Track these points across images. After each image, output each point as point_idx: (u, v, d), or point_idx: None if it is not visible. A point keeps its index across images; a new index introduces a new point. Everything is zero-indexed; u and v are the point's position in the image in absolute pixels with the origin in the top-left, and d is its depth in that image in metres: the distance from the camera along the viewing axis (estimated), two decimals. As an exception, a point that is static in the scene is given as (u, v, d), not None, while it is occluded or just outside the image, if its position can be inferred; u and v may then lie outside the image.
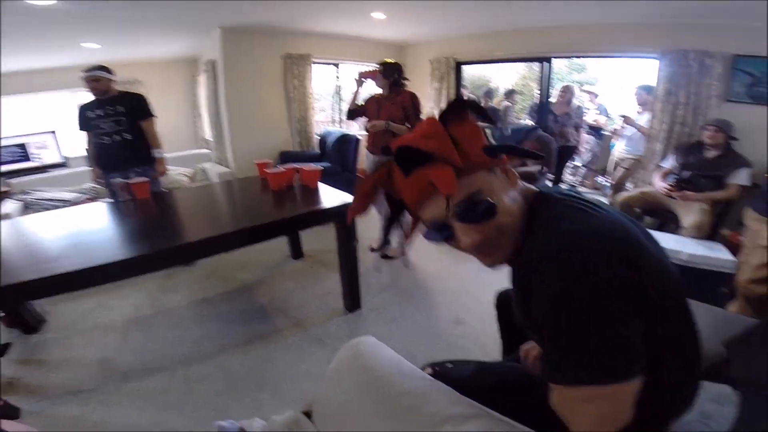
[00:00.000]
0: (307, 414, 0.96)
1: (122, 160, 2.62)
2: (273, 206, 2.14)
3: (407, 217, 0.76)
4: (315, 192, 2.25)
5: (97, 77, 2.48)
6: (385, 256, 2.97)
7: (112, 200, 2.47)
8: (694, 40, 2.98)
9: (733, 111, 2.90)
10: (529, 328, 0.70)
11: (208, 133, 5.02)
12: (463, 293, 2.46)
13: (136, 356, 1.91)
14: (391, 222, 0.79)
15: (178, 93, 5.33)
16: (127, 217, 2.02)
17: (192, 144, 5.45)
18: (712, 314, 1.42)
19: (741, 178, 2.52)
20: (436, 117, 0.66)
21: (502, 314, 1.25)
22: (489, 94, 5.72)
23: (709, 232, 2.51)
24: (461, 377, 0.89)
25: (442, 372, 0.96)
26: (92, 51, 3.77)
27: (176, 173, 4.05)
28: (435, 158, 0.62)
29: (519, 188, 0.70)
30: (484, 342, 1.94)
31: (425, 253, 3.03)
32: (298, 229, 2.76)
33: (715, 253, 2.12)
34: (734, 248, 2.23)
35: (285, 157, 4.26)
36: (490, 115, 0.71)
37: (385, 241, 0.82)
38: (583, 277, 0.54)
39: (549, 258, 0.57)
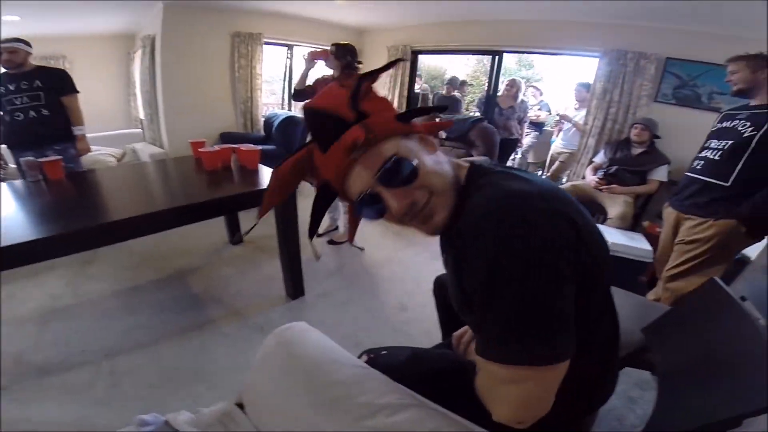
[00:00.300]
0: (242, 405, 0.93)
1: (38, 137, 2.41)
2: (206, 186, 2.01)
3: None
4: (254, 173, 2.16)
5: (13, 49, 2.27)
6: (331, 242, 2.93)
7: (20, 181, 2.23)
8: (633, 41, 3.15)
9: (660, 111, 3.13)
10: (462, 308, 0.70)
11: (142, 112, 4.68)
12: (409, 279, 2.50)
13: (56, 350, 1.73)
14: (318, 213, 0.77)
15: (111, 70, 4.89)
16: (38, 198, 1.78)
17: (125, 124, 5.04)
18: (633, 302, 1.50)
19: (661, 174, 2.76)
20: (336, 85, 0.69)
21: (440, 300, 1.28)
22: (453, 82, 5.71)
23: (632, 223, 2.74)
24: (395, 364, 0.88)
25: (377, 359, 0.96)
26: (11, 24, 3.34)
27: (102, 153, 3.72)
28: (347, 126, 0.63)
29: (446, 157, 0.71)
30: (427, 328, 1.98)
31: (372, 240, 3.04)
32: (234, 210, 2.64)
33: (636, 243, 2.31)
34: (652, 239, 2.45)
35: (226, 138, 4.05)
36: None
37: (315, 227, 0.80)
38: (524, 233, 0.52)
39: (488, 214, 0.56)
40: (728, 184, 1.69)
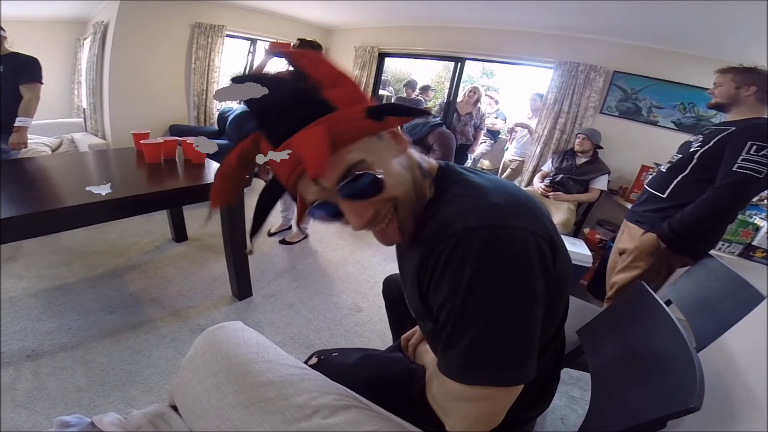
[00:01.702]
0: (177, 407, 0.87)
1: None
2: (146, 179, 1.87)
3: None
4: (200, 167, 2.04)
5: None
6: (283, 242, 2.86)
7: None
8: (586, 54, 3.28)
9: (604, 122, 3.30)
10: (423, 318, 0.65)
11: (86, 101, 4.35)
12: (364, 281, 2.49)
13: (-32, 353, 1.57)
14: (262, 210, 0.68)
15: (56, 55, 4.52)
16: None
17: (66, 112, 4.67)
18: (571, 304, 1.57)
19: (601, 183, 2.94)
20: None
21: (390, 302, 1.28)
22: (411, 84, 5.75)
23: (573, 230, 2.89)
24: (344, 366, 0.87)
25: (327, 360, 0.94)
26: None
27: (34, 142, 3.41)
28: (306, 121, 0.52)
29: (418, 154, 0.65)
30: (381, 329, 1.99)
31: (328, 241, 3.00)
32: (175, 205, 2.50)
33: (577, 248, 2.44)
34: (591, 244, 2.59)
35: (175, 131, 3.86)
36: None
37: (258, 226, 0.70)
38: (503, 254, 0.49)
39: (465, 231, 0.51)
40: (664, 196, 1.67)
